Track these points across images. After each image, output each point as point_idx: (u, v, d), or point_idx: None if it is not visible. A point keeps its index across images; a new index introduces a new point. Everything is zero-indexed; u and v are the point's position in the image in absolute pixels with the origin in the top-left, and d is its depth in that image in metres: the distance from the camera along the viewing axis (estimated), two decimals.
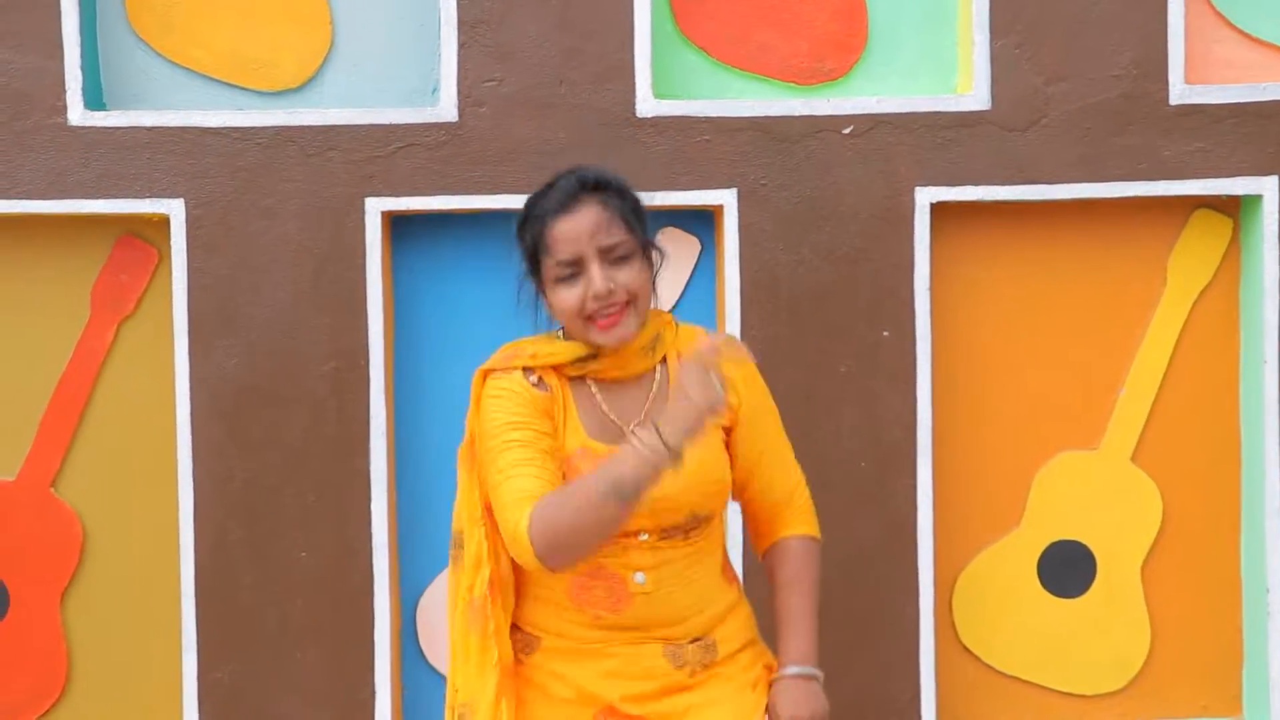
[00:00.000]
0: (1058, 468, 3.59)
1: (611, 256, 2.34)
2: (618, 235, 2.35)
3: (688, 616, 2.41)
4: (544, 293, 2.42)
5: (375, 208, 3.42)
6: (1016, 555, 3.59)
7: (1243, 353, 3.58)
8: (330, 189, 3.43)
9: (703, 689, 2.41)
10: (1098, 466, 3.58)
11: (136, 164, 3.41)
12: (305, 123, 3.43)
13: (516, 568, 2.40)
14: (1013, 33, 3.44)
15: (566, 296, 2.35)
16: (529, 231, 2.40)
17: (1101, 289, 3.57)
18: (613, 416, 2.40)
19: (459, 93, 3.42)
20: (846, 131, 3.45)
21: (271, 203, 3.43)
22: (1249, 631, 3.58)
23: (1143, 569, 3.59)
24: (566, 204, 2.36)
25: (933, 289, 3.49)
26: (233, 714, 3.46)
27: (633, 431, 2.28)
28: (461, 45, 3.42)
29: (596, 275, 2.33)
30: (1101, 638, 3.59)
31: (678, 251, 3.52)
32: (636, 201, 2.42)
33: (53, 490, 3.52)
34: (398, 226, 3.53)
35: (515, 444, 2.32)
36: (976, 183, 3.45)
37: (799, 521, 2.50)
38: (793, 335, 3.38)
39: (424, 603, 3.57)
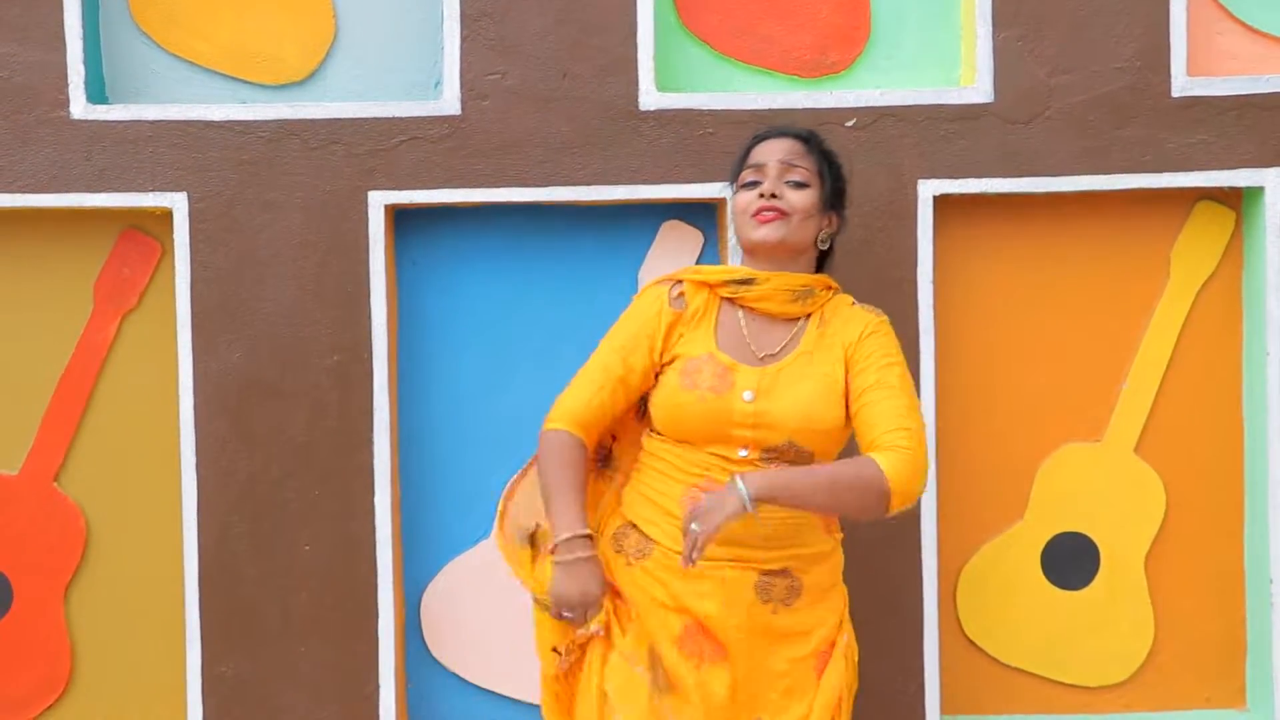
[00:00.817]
0: (1061, 460, 3.60)
1: (790, 177, 2.75)
2: (802, 164, 2.76)
3: (783, 547, 2.68)
4: (734, 200, 2.82)
5: (378, 201, 3.43)
6: (1020, 547, 3.61)
7: (1245, 345, 3.59)
8: (333, 182, 3.44)
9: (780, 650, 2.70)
10: (1101, 458, 3.59)
11: (139, 158, 3.42)
12: (308, 116, 3.44)
13: (634, 459, 2.82)
14: (1015, 25, 3.46)
15: (744, 197, 2.78)
16: (740, 153, 2.86)
17: (1104, 281, 3.58)
18: (749, 340, 2.74)
19: (462, 86, 3.43)
20: (849, 124, 3.46)
21: (275, 196, 3.44)
22: (1252, 623, 3.59)
23: (1146, 561, 3.60)
24: (776, 135, 2.82)
25: (936, 282, 3.50)
26: (237, 708, 3.47)
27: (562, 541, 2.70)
28: (464, 38, 3.42)
29: (771, 177, 2.75)
30: (1105, 629, 3.60)
31: (680, 244, 3.54)
32: (839, 169, 2.83)
33: (56, 484, 3.53)
34: (401, 220, 3.54)
35: (602, 363, 2.77)
36: (979, 175, 3.46)
37: (884, 451, 2.64)
38: None
39: (428, 597, 3.58)
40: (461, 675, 3.58)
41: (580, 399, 2.76)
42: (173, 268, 3.48)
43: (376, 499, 3.45)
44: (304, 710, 3.48)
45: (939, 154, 3.46)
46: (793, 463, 2.68)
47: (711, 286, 2.78)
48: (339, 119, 3.44)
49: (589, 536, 2.69)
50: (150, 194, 3.43)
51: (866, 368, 2.72)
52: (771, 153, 2.79)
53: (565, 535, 2.68)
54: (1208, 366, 3.60)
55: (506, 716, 3.60)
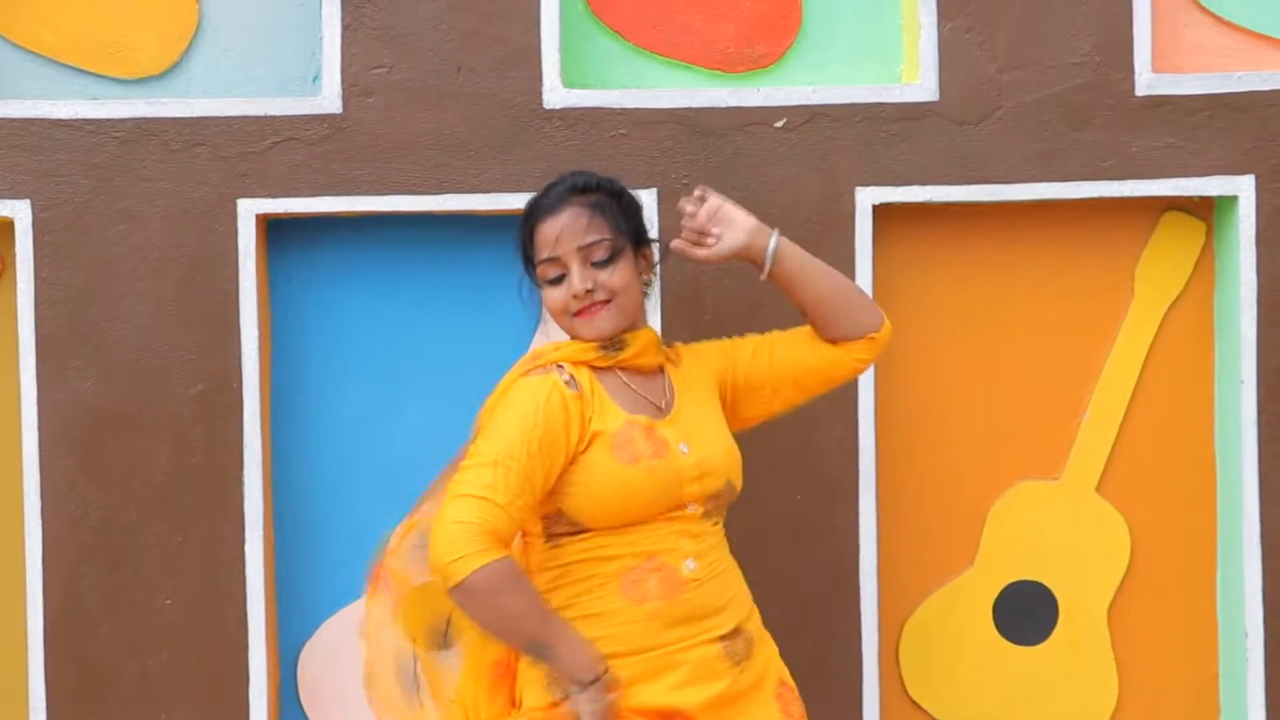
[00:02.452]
0: (1015, 500, 3.59)
1: (594, 257, 2.72)
2: (599, 235, 2.72)
3: (729, 604, 2.72)
4: (537, 286, 2.81)
5: (249, 210, 3.39)
6: (970, 598, 3.59)
7: (1218, 370, 3.58)
8: (198, 189, 3.40)
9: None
10: (1059, 498, 3.59)
11: None
12: (169, 114, 3.40)
13: (558, 585, 2.69)
14: (963, 15, 3.44)
15: (553, 296, 2.75)
16: (522, 232, 2.80)
17: (1062, 300, 3.59)
18: (645, 395, 2.76)
19: (343, 80, 3.40)
20: (779, 125, 3.43)
21: (131, 204, 3.39)
22: (1225, 680, 3.58)
23: (1109, 612, 3.59)
24: (554, 206, 2.75)
25: (875, 300, 3.37)
26: None
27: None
28: (346, 27, 3.40)
29: (575, 276, 2.71)
30: (1065, 689, 3.60)
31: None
32: (631, 203, 2.81)
33: None
34: (275, 231, 3.49)
35: (522, 472, 2.59)
36: (923, 182, 3.45)
37: None
38: None
39: (306, 655, 3.52)
40: None
41: (509, 515, 2.57)
42: (14, 285, 3.40)
43: (247, 546, 3.40)
44: None
45: (878, 158, 3.45)
46: (728, 505, 2.78)
47: (588, 363, 2.75)
48: (204, 118, 3.41)
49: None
50: None
51: (737, 349, 2.90)
52: (562, 239, 2.72)
53: (591, 676, 2.58)
54: (1177, 395, 3.60)
55: None
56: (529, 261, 2.79)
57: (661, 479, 2.65)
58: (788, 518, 3.40)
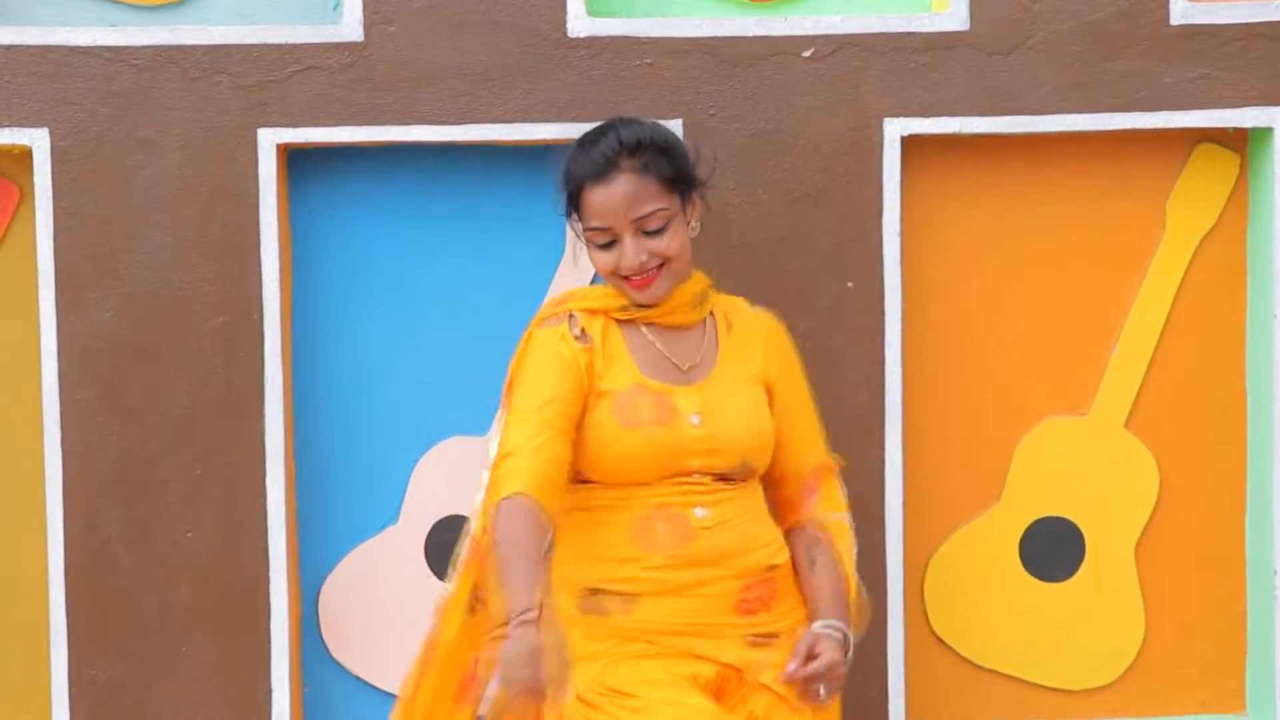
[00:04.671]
0: (1042, 435, 3.61)
1: (648, 227, 2.74)
2: (653, 205, 2.73)
3: (750, 549, 2.76)
4: (583, 241, 2.84)
5: (269, 139, 3.40)
6: (996, 534, 3.63)
7: (1249, 306, 3.60)
8: (218, 118, 3.40)
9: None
10: (1087, 434, 3.61)
11: None
12: (189, 41, 3.39)
13: (566, 528, 2.73)
14: None
15: (602, 259, 2.77)
16: (566, 187, 2.82)
17: (1093, 233, 3.59)
18: (669, 357, 2.79)
19: (365, 8, 3.39)
20: (807, 55, 3.45)
21: (150, 133, 3.40)
22: (1253, 619, 3.61)
23: (1137, 549, 3.63)
24: (604, 171, 2.74)
25: (903, 234, 3.48)
26: (110, 715, 3.45)
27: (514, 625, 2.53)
28: None
29: (629, 248, 2.73)
30: (1090, 626, 3.63)
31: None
32: (680, 154, 2.80)
33: None
34: (295, 161, 3.51)
35: (539, 419, 2.68)
36: (953, 113, 3.46)
37: (825, 501, 2.92)
38: (745, 287, 3.30)
39: (327, 590, 3.56)
40: (364, 678, 3.57)
41: (528, 455, 2.66)
42: (33, 214, 3.42)
43: (268, 479, 3.43)
44: (186, 717, 3.45)
45: (907, 89, 3.46)
46: (742, 482, 2.81)
47: (607, 313, 2.82)
48: (224, 45, 3.39)
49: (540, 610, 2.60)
50: (5, 130, 3.38)
51: (788, 396, 2.91)
52: (615, 211, 2.73)
53: (505, 617, 2.56)
54: (1208, 330, 3.62)
55: None
56: (571, 207, 2.81)
57: (662, 446, 2.71)
58: None
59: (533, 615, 2.51)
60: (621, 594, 2.72)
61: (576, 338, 2.75)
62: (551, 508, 2.66)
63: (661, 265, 2.75)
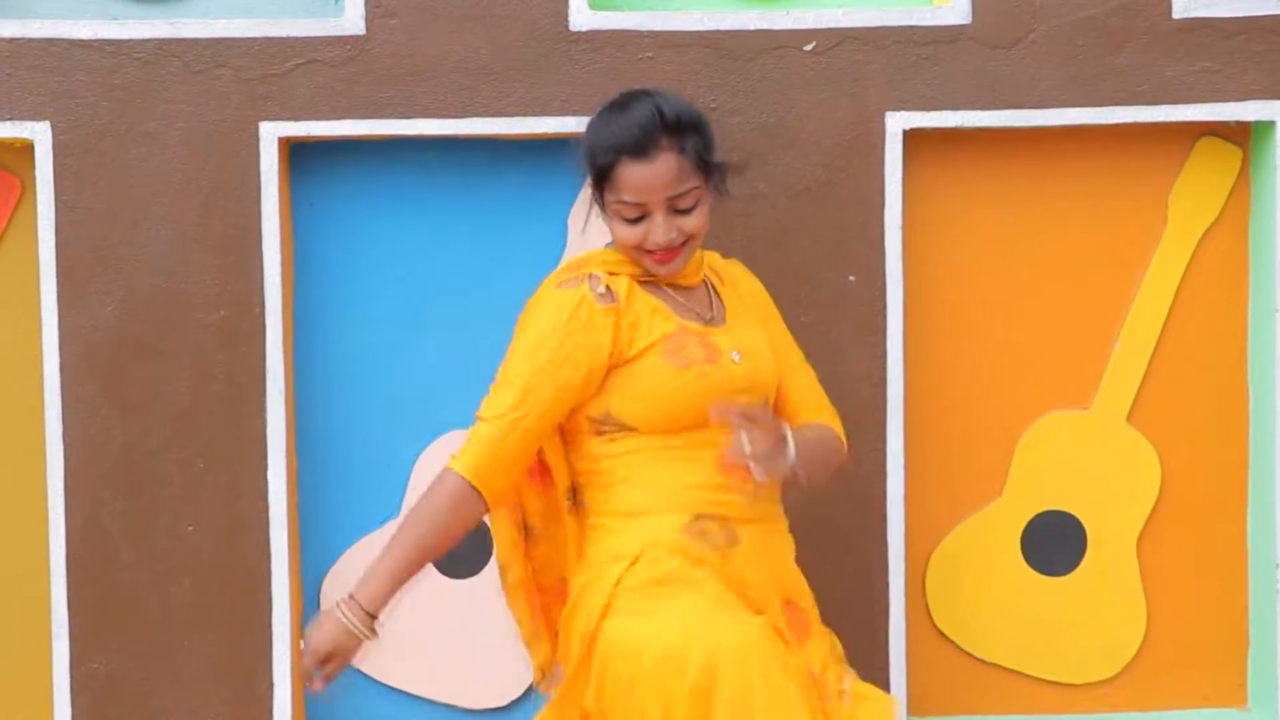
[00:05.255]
0: (1044, 430, 3.64)
1: (680, 205, 2.75)
2: (688, 184, 2.74)
3: (777, 503, 2.87)
4: (604, 211, 2.82)
5: (271, 133, 3.43)
6: (998, 528, 3.65)
7: (1251, 300, 3.63)
8: (219, 111, 3.44)
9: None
10: (1089, 428, 3.64)
11: None
12: (191, 35, 3.43)
13: (621, 471, 2.78)
14: None
15: (627, 233, 2.76)
16: (597, 156, 2.76)
17: (1094, 227, 3.62)
18: (691, 307, 2.83)
19: (366, 2, 3.43)
20: (808, 49, 3.47)
21: (152, 126, 3.43)
22: (1255, 613, 3.64)
23: (1138, 543, 3.65)
24: (643, 148, 2.72)
25: (905, 228, 3.51)
26: (110, 710, 3.48)
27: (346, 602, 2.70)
28: None
29: (660, 226, 2.74)
30: (1092, 620, 3.66)
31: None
32: (710, 134, 2.80)
33: None
34: (297, 154, 3.54)
35: (523, 387, 2.71)
36: (955, 107, 3.49)
37: (823, 419, 2.99)
38: None
39: (328, 584, 3.59)
40: (367, 673, 3.61)
41: (500, 429, 2.70)
42: (34, 208, 3.46)
43: (269, 473, 3.47)
44: (187, 711, 3.50)
45: (909, 83, 3.49)
46: None
47: (630, 275, 2.83)
48: (226, 39, 3.44)
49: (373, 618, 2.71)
50: (8, 123, 3.42)
51: (777, 331, 2.98)
52: (652, 188, 2.73)
53: (360, 601, 2.69)
54: (1210, 324, 3.64)
55: (418, 718, 3.66)
56: (597, 182, 2.79)
57: (714, 384, 2.73)
58: None
59: (359, 608, 2.65)
60: (723, 519, 2.74)
61: (600, 295, 2.75)
62: (497, 485, 2.70)
63: (685, 242, 2.78)
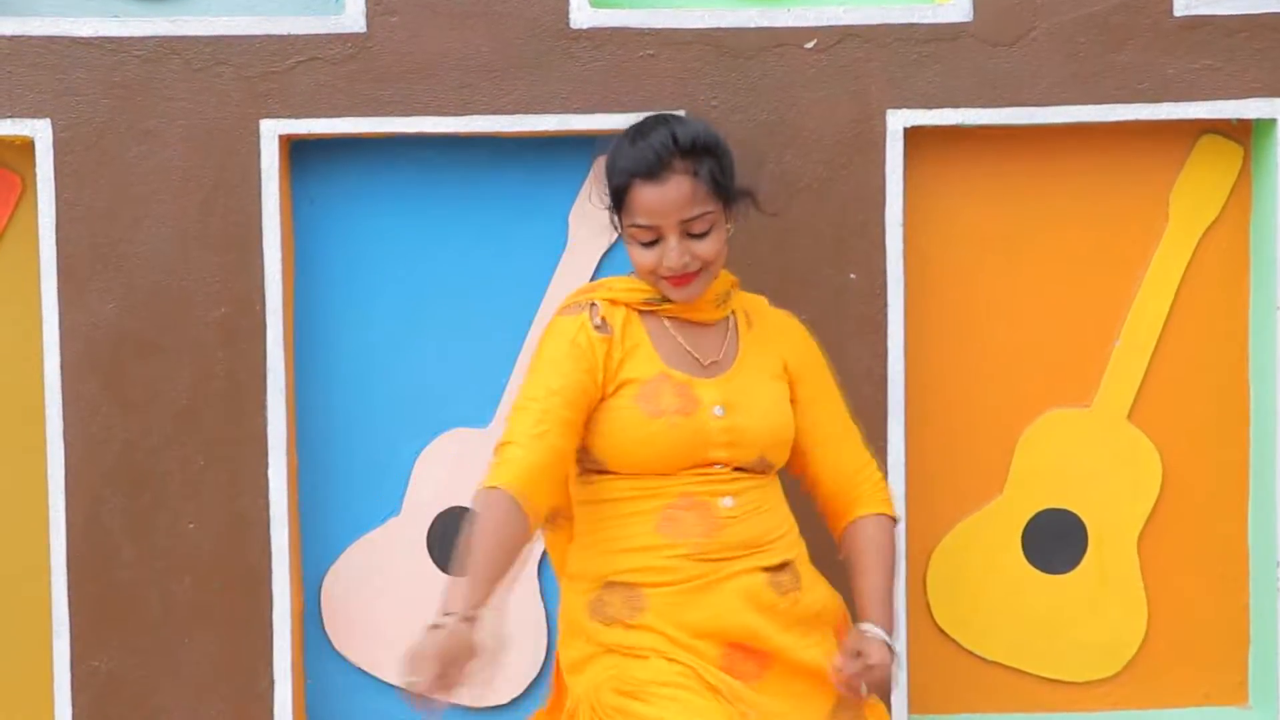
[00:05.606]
0: (1045, 427, 3.65)
1: (694, 230, 2.77)
2: (701, 208, 2.77)
3: (774, 539, 2.83)
4: (623, 236, 2.85)
5: (272, 130, 3.45)
6: (998, 526, 3.67)
7: (1252, 298, 3.63)
8: (220, 109, 3.45)
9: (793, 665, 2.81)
10: (1090, 426, 3.65)
11: None
12: (191, 33, 3.44)
13: (583, 521, 2.86)
14: None
15: (642, 256, 2.80)
16: (612, 179, 2.82)
17: (1095, 225, 3.63)
18: (690, 350, 2.84)
19: (367, 0, 3.45)
20: (809, 46, 3.49)
21: (153, 124, 3.45)
22: (1256, 611, 3.65)
23: (1139, 541, 3.66)
24: (656, 171, 2.75)
25: (906, 225, 3.52)
26: (111, 708, 3.50)
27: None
28: None
29: (673, 250, 2.76)
30: (1093, 618, 3.66)
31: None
32: (727, 157, 2.83)
33: None
34: (297, 152, 3.56)
35: (540, 409, 2.74)
36: (956, 105, 3.50)
37: (873, 500, 2.98)
38: (747, 277, 3.34)
39: (329, 582, 3.61)
40: (366, 669, 3.62)
41: (524, 447, 2.72)
42: (35, 206, 3.47)
43: (270, 471, 3.48)
44: (188, 709, 3.51)
45: (910, 80, 3.50)
46: (762, 471, 2.86)
47: (630, 304, 2.87)
48: (226, 36, 3.45)
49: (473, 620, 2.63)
50: (8, 120, 3.44)
51: (816, 393, 2.97)
52: (665, 211, 2.76)
53: (452, 611, 2.60)
54: (1210, 322, 3.65)
55: (416, 716, 3.45)
56: (616, 203, 2.82)
57: (683, 436, 2.75)
58: None
59: (457, 619, 2.55)
60: (633, 586, 2.76)
61: (596, 327, 2.79)
62: (538, 501, 2.71)
63: (701, 268, 2.79)
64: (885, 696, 2.82)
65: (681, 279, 2.79)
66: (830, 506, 3.00)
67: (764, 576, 2.79)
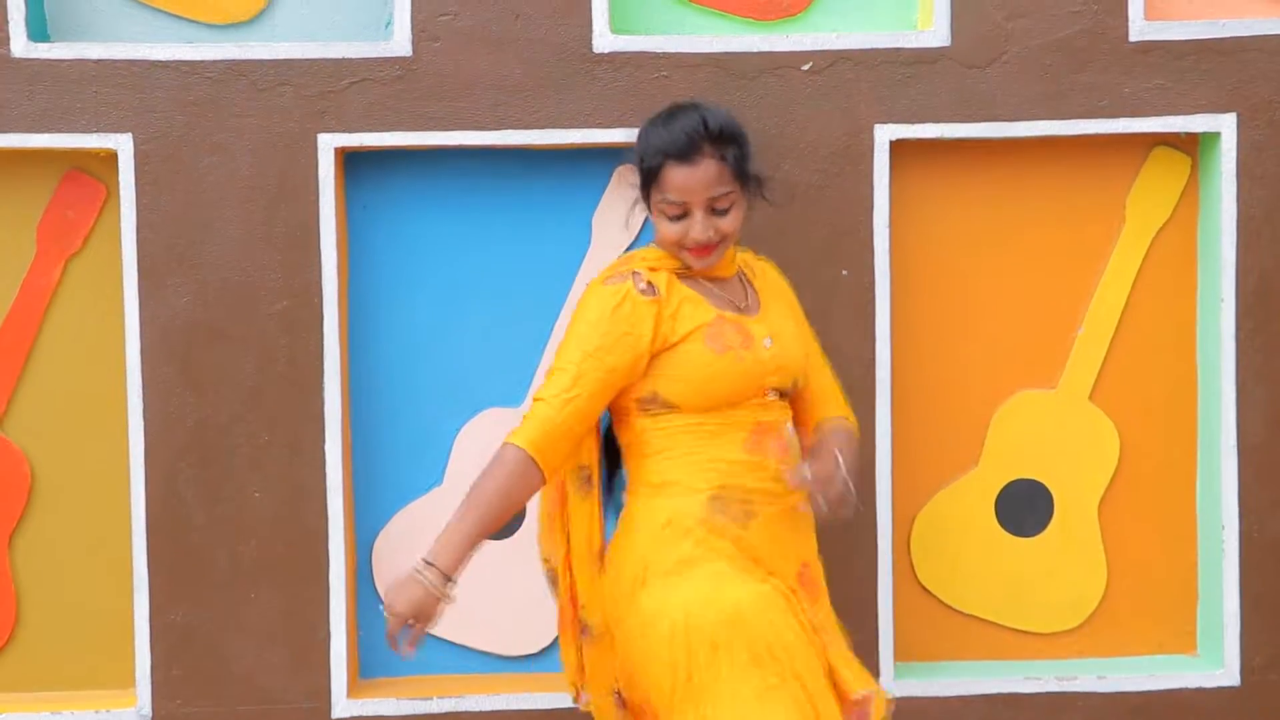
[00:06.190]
0: (1016, 407, 3.73)
1: (718, 206, 2.85)
2: (726, 188, 2.86)
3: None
4: (650, 209, 2.93)
5: (328, 144, 3.54)
6: (974, 494, 3.75)
7: (1200, 291, 3.71)
8: (282, 124, 3.54)
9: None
10: (1055, 405, 3.72)
11: (83, 97, 3.51)
12: (256, 56, 3.53)
13: (667, 446, 2.90)
14: None
15: (669, 229, 2.88)
16: (645, 159, 2.88)
17: (1060, 227, 3.69)
18: (730, 299, 2.93)
19: (413, 26, 3.52)
20: (806, 68, 3.57)
21: (222, 138, 3.54)
22: (1204, 570, 3.74)
23: (1100, 508, 3.74)
24: (687, 153, 2.83)
25: (892, 227, 3.61)
26: (186, 656, 3.60)
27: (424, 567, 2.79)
28: None
29: (699, 224, 2.85)
30: (1058, 576, 3.74)
31: (634, 189, 3.56)
32: (748, 147, 2.91)
33: (0, 431, 3.65)
34: (351, 163, 3.64)
35: (576, 372, 2.82)
36: (936, 120, 3.58)
37: (840, 413, 3.12)
38: None
39: (379, 544, 3.71)
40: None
41: (554, 407, 2.82)
42: (118, 210, 3.55)
43: (326, 445, 3.57)
44: (253, 657, 3.61)
45: (895, 98, 3.58)
46: (787, 395, 2.99)
47: (670, 270, 2.93)
48: (288, 59, 3.53)
49: (449, 580, 2.80)
50: (94, 135, 3.52)
51: (804, 331, 3.09)
52: (693, 189, 2.85)
53: (434, 561, 2.80)
54: (1163, 313, 3.73)
55: (459, 665, 3.74)
56: (644, 182, 2.90)
57: (748, 367, 2.87)
58: None
59: (438, 578, 2.75)
60: (742, 502, 2.85)
61: (643, 291, 2.85)
62: (555, 459, 2.82)
63: (721, 240, 2.89)
64: (839, 511, 2.84)
65: (703, 249, 2.87)
66: (804, 422, 3.08)
67: (809, 514, 2.94)
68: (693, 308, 2.89)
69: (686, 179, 2.84)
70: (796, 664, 2.75)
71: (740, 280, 3.02)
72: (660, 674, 2.77)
